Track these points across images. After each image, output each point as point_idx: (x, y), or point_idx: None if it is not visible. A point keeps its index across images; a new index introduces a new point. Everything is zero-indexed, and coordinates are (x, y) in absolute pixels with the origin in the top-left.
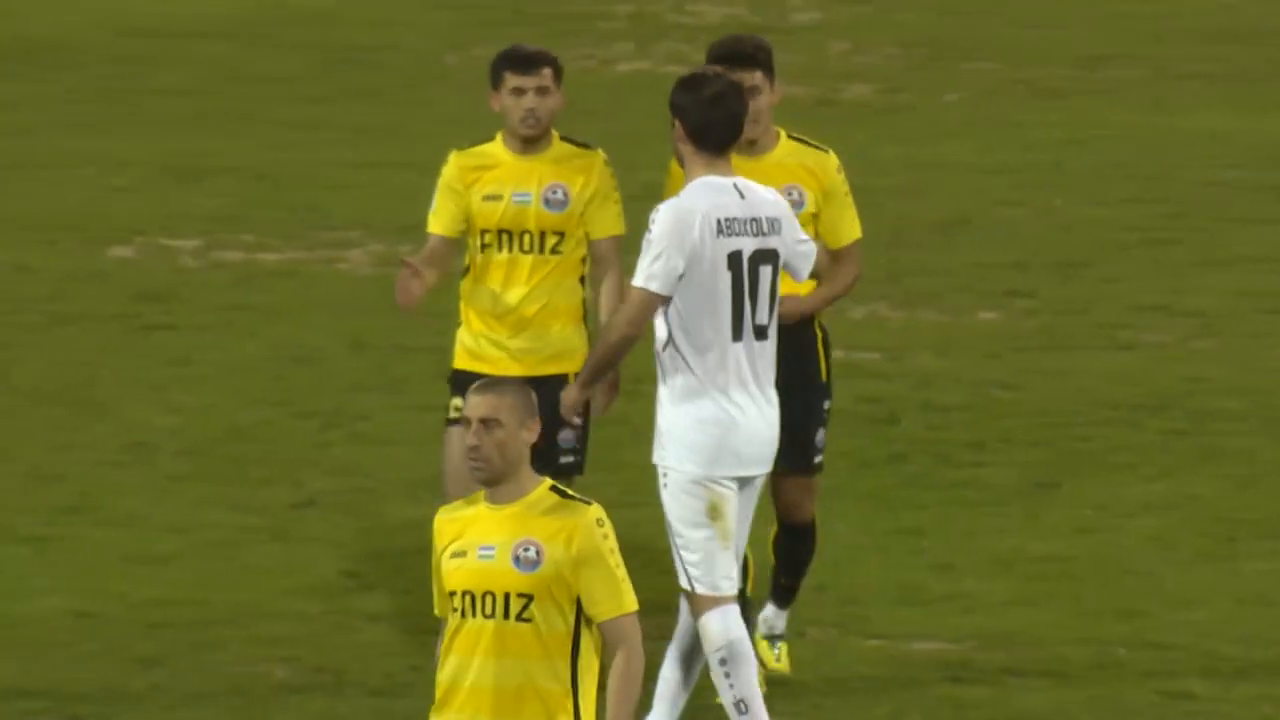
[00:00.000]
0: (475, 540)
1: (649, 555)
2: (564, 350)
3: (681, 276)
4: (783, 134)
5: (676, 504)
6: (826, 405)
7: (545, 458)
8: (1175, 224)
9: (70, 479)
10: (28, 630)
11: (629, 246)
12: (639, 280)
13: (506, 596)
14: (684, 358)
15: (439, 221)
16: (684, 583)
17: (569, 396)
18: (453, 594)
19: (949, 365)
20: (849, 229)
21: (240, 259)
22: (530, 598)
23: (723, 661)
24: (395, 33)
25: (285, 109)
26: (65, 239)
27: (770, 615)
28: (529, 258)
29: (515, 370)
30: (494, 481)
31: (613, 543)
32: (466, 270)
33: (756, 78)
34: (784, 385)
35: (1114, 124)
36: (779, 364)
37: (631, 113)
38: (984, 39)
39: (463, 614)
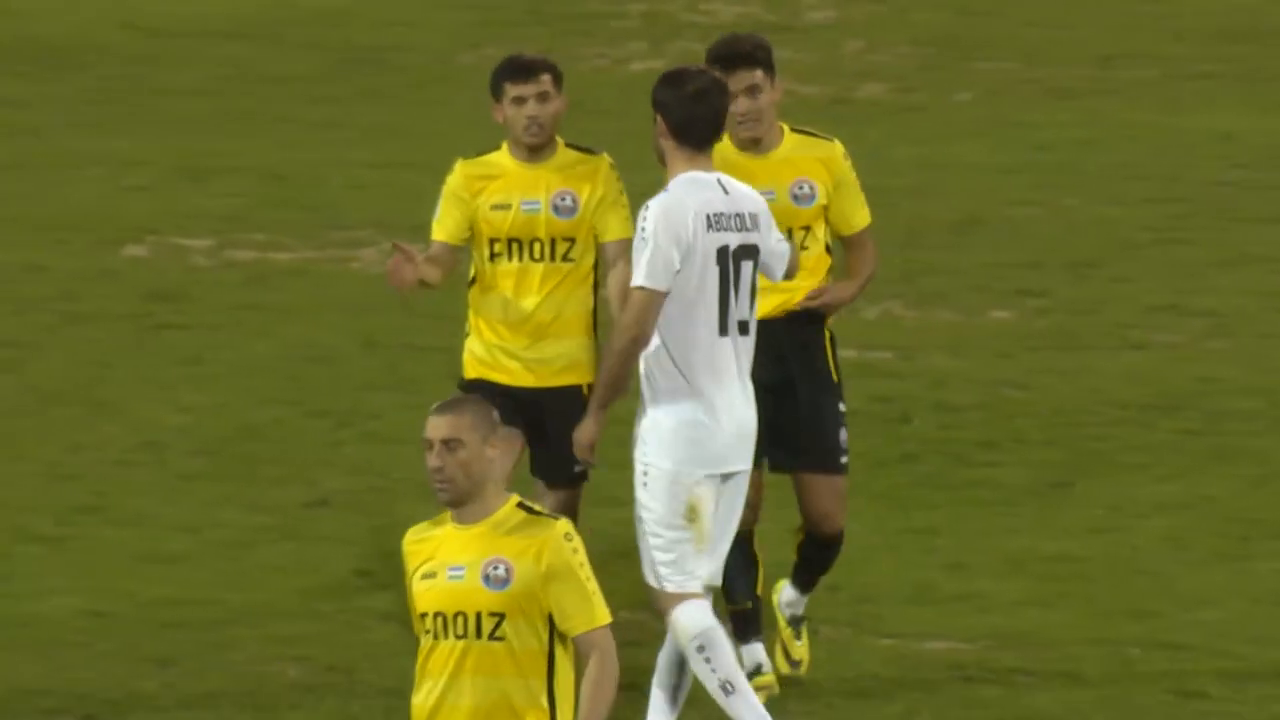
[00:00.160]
0: (444, 561)
1: None
2: (577, 361)
3: (677, 271)
4: (786, 129)
5: (656, 502)
6: (841, 406)
7: (559, 469)
8: (1188, 224)
9: (83, 478)
10: (41, 629)
11: None
12: (638, 280)
13: (478, 616)
14: (669, 353)
15: (443, 229)
16: (651, 580)
17: (586, 434)
18: (424, 616)
19: (962, 365)
20: (860, 215)
21: (252, 258)
22: (502, 616)
23: (700, 649)
24: (408, 33)
25: (298, 108)
26: (77, 238)
27: (792, 598)
28: (540, 266)
29: (529, 380)
30: (460, 502)
31: (582, 556)
32: (473, 281)
33: (757, 76)
34: (793, 385)
35: (1127, 124)
36: (786, 364)
37: (644, 112)
38: (997, 38)
39: (435, 635)
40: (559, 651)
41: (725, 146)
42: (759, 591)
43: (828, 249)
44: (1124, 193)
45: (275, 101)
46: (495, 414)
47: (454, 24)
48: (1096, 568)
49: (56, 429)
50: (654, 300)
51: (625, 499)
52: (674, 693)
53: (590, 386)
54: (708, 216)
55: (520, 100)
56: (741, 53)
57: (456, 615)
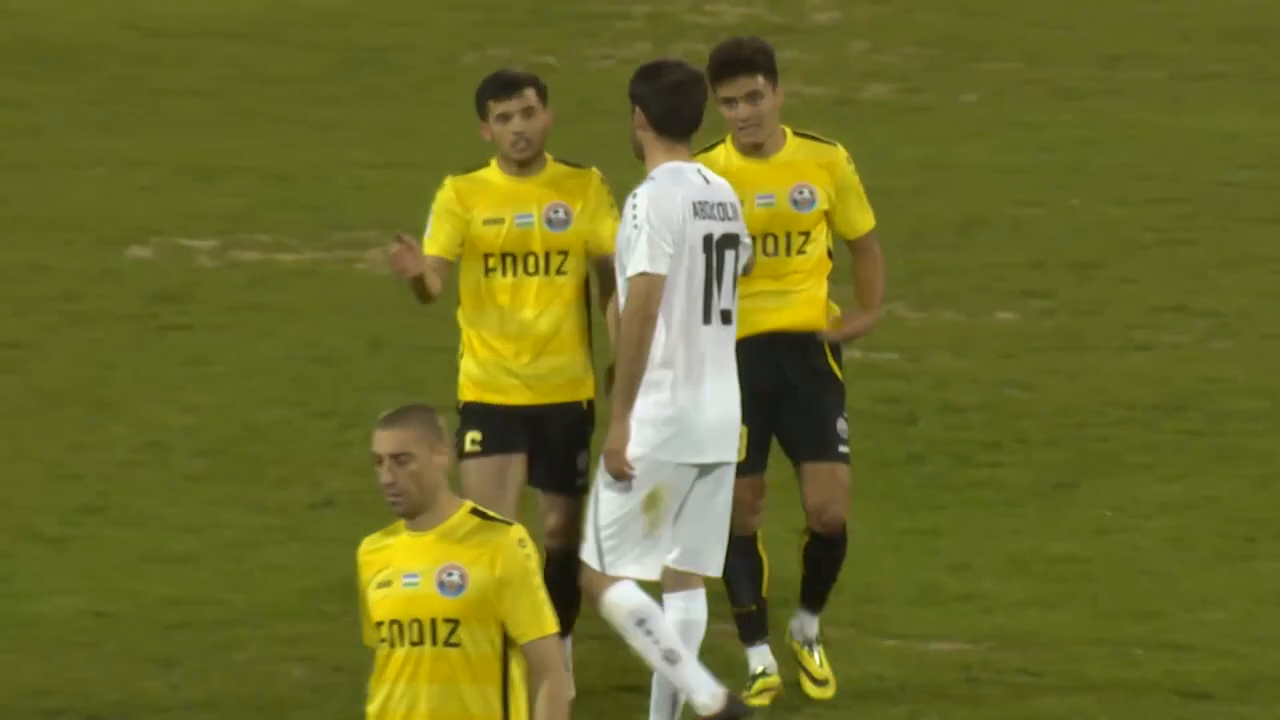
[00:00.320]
0: (399, 568)
1: None
2: (575, 377)
3: (671, 256)
4: (789, 132)
5: (620, 486)
6: (842, 402)
7: (563, 484)
8: (1193, 224)
9: (86, 479)
10: (45, 630)
11: None
12: (639, 266)
13: (433, 622)
14: (654, 343)
15: (436, 243)
16: (592, 560)
17: (616, 440)
18: (380, 624)
19: (966, 365)
20: (864, 219)
21: (257, 259)
22: (456, 622)
23: (640, 623)
24: (413, 33)
25: (303, 109)
26: (81, 239)
27: (803, 621)
28: (535, 280)
29: (528, 398)
30: (415, 512)
31: (534, 564)
32: (463, 300)
33: (758, 82)
34: (794, 388)
35: (1132, 124)
36: (784, 370)
37: None
38: (1002, 39)
39: (391, 643)
40: (513, 658)
41: (727, 150)
42: (764, 594)
43: (829, 253)
44: (1128, 193)
45: (278, 102)
46: (440, 420)
47: (457, 24)
48: (1100, 568)
49: (60, 429)
50: (656, 284)
51: None
52: (675, 688)
53: (590, 403)
54: (693, 204)
55: (505, 117)
56: (741, 58)
57: (412, 622)
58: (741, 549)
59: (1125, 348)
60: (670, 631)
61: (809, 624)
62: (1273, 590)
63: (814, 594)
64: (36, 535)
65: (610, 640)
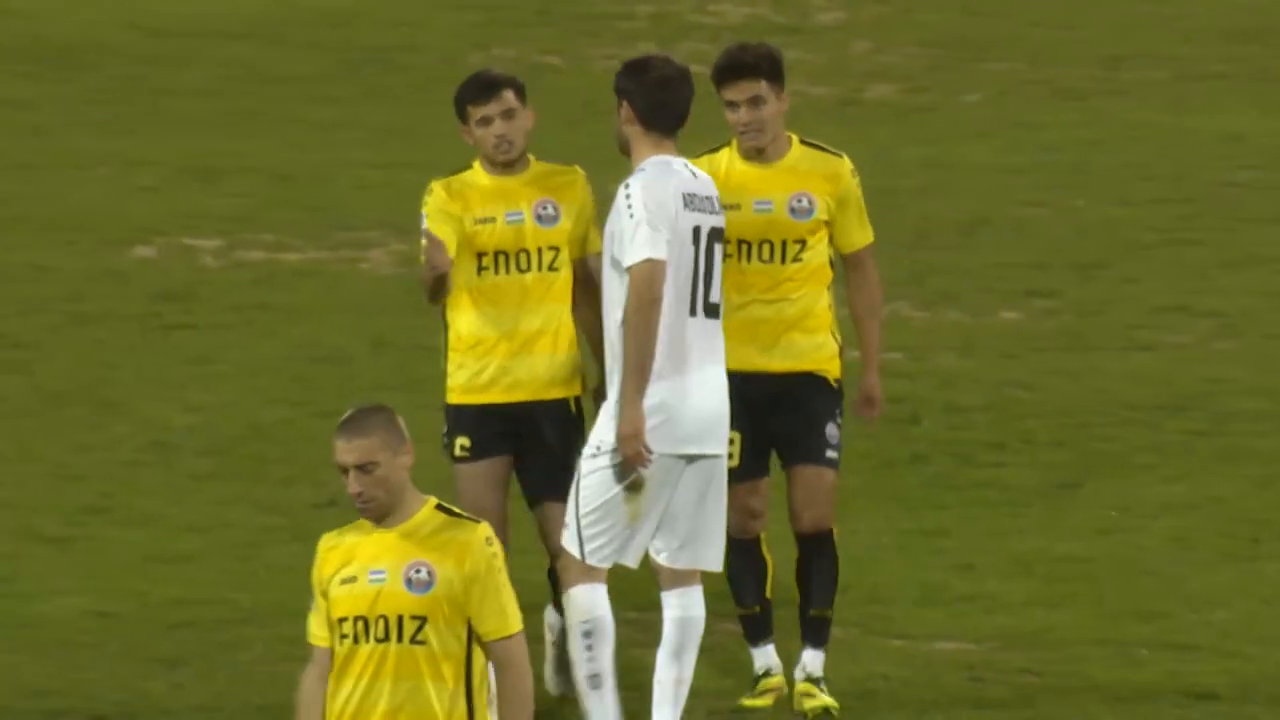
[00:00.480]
0: (365, 564)
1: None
2: (563, 375)
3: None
4: (795, 140)
5: (602, 472)
6: (838, 412)
7: (547, 483)
8: (1196, 224)
9: (90, 479)
10: (49, 630)
11: None
12: (641, 254)
13: (400, 619)
14: None
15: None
16: (574, 549)
17: (629, 424)
18: (343, 620)
19: (970, 365)
20: (861, 234)
21: (261, 259)
22: (424, 619)
23: (586, 634)
24: (417, 33)
25: (306, 109)
26: (85, 239)
27: (806, 659)
28: (529, 276)
29: (517, 395)
30: (384, 515)
31: (501, 561)
32: (453, 299)
33: (760, 87)
34: (785, 388)
35: (1135, 124)
36: (781, 378)
37: None
38: (1006, 39)
39: (355, 639)
40: (476, 655)
41: (730, 153)
42: (768, 595)
43: (831, 264)
44: (1131, 193)
45: (281, 102)
46: (399, 419)
47: (461, 24)
48: (1104, 568)
49: (64, 429)
50: (660, 269)
51: None
52: (675, 686)
53: (577, 400)
54: (684, 195)
55: (486, 120)
56: (745, 63)
57: (378, 619)
58: (743, 551)
59: (1128, 348)
60: (608, 658)
61: (813, 661)
62: (1277, 590)
63: (813, 619)
64: (40, 535)
65: (615, 640)
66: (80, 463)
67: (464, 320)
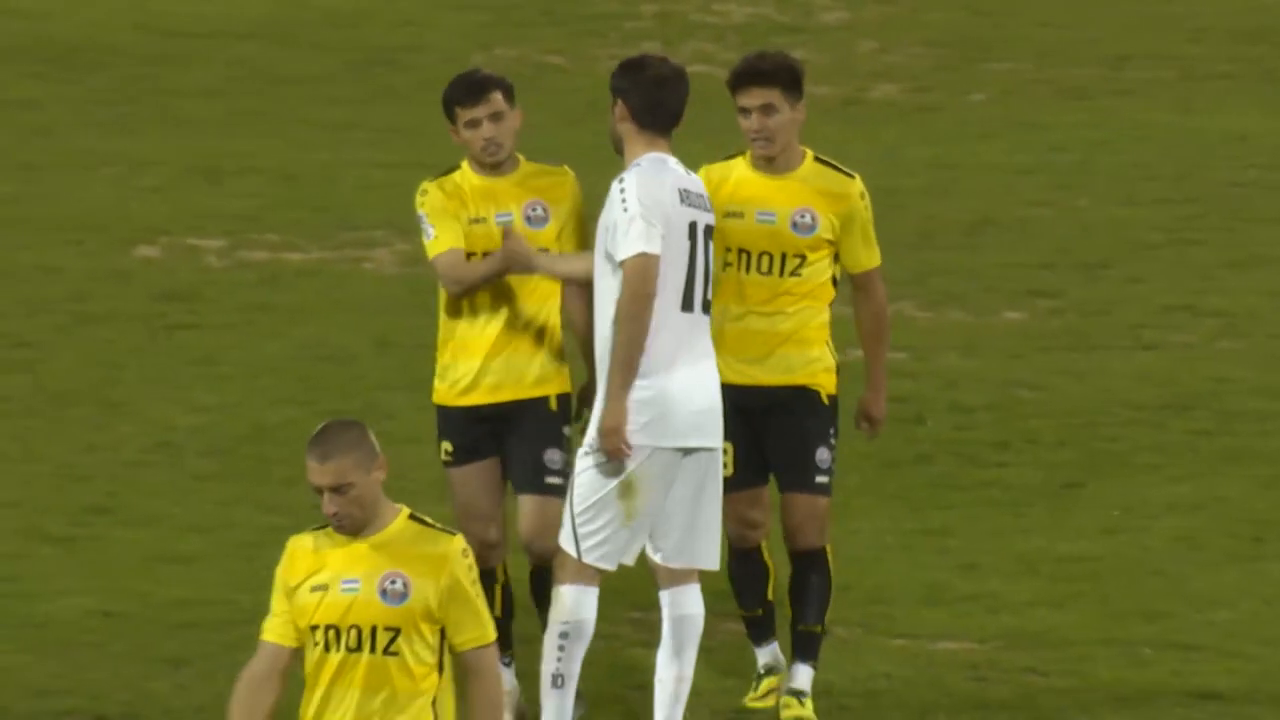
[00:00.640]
0: (338, 573)
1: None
2: (547, 374)
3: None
4: (809, 155)
5: (596, 470)
6: (832, 430)
7: (531, 479)
8: (1201, 224)
9: (95, 479)
10: (54, 630)
11: None
12: (635, 247)
13: (374, 630)
14: None
15: (449, 236)
16: (569, 547)
17: (612, 418)
18: (314, 628)
19: (975, 365)
20: (868, 256)
21: (266, 259)
22: (398, 631)
23: (564, 634)
24: (422, 33)
25: (311, 109)
26: (90, 239)
27: (793, 671)
28: (518, 277)
29: (502, 395)
30: (360, 530)
31: (475, 573)
32: (442, 299)
33: (774, 96)
34: (780, 405)
35: (1140, 124)
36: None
37: None
38: (1011, 39)
39: (326, 647)
40: (445, 665)
41: (744, 160)
42: (770, 597)
43: (834, 282)
44: (1137, 193)
45: (288, 102)
46: (370, 434)
47: (466, 25)
48: (1109, 568)
49: (69, 429)
50: (653, 263)
51: None
52: (677, 685)
53: (560, 398)
54: (679, 191)
55: (474, 123)
56: (761, 70)
57: (350, 628)
58: (744, 558)
59: (1134, 348)
60: (577, 661)
61: (799, 674)
62: None
63: (802, 633)
64: (45, 535)
65: (618, 640)
66: (85, 463)
67: (451, 320)
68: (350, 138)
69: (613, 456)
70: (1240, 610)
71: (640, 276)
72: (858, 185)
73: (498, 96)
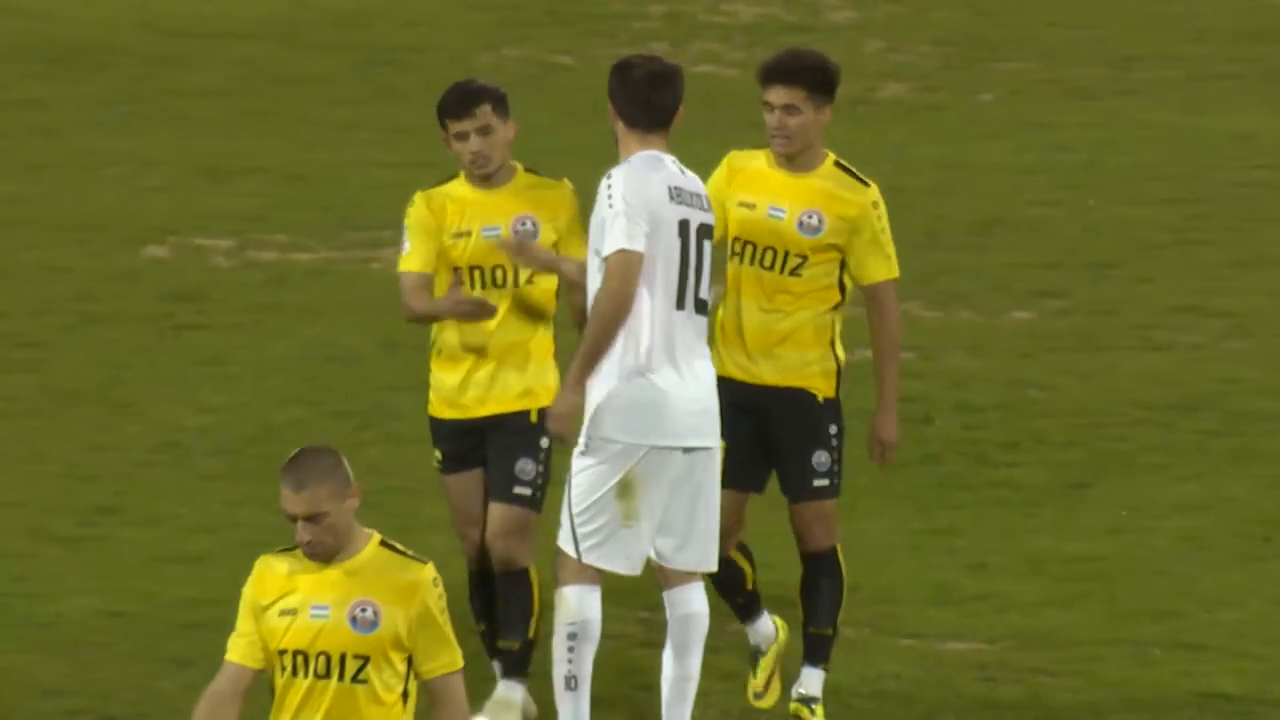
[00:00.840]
0: (308, 598)
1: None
2: (532, 389)
3: (647, 234)
4: (831, 159)
5: (592, 471)
6: (833, 429)
7: (500, 489)
8: (1208, 224)
9: (102, 479)
10: (61, 630)
11: None
12: (617, 244)
13: (342, 657)
14: (626, 325)
15: (417, 259)
16: (568, 548)
17: (564, 404)
18: (282, 652)
19: (982, 365)
20: (877, 268)
21: (273, 259)
22: (367, 659)
23: (571, 635)
24: (428, 33)
25: (318, 109)
26: (97, 239)
27: (803, 676)
28: (503, 292)
29: (484, 410)
30: (333, 557)
31: (444, 601)
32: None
33: (798, 96)
34: (775, 404)
35: (1147, 124)
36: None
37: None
38: (1019, 39)
39: (293, 672)
40: (411, 693)
41: (767, 153)
42: (751, 588)
43: (842, 289)
44: (1144, 193)
45: (294, 102)
46: (344, 461)
47: (473, 25)
48: (1116, 568)
49: (76, 429)
50: (634, 261)
51: None
52: (684, 684)
53: (541, 412)
54: (669, 188)
55: (463, 136)
56: (789, 68)
57: (319, 655)
58: (722, 566)
59: (1141, 348)
60: (587, 661)
61: (810, 679)
62: None
63: (813, 636)
64: (52, 535)
65: (624, 640)
66: (91, 463)
67: (441, 333)
68: (356, 138)
69: (558, 442)
70: (1248, 610)
71: (620, 273)
72: (872, 194)
73: (486, 109)
